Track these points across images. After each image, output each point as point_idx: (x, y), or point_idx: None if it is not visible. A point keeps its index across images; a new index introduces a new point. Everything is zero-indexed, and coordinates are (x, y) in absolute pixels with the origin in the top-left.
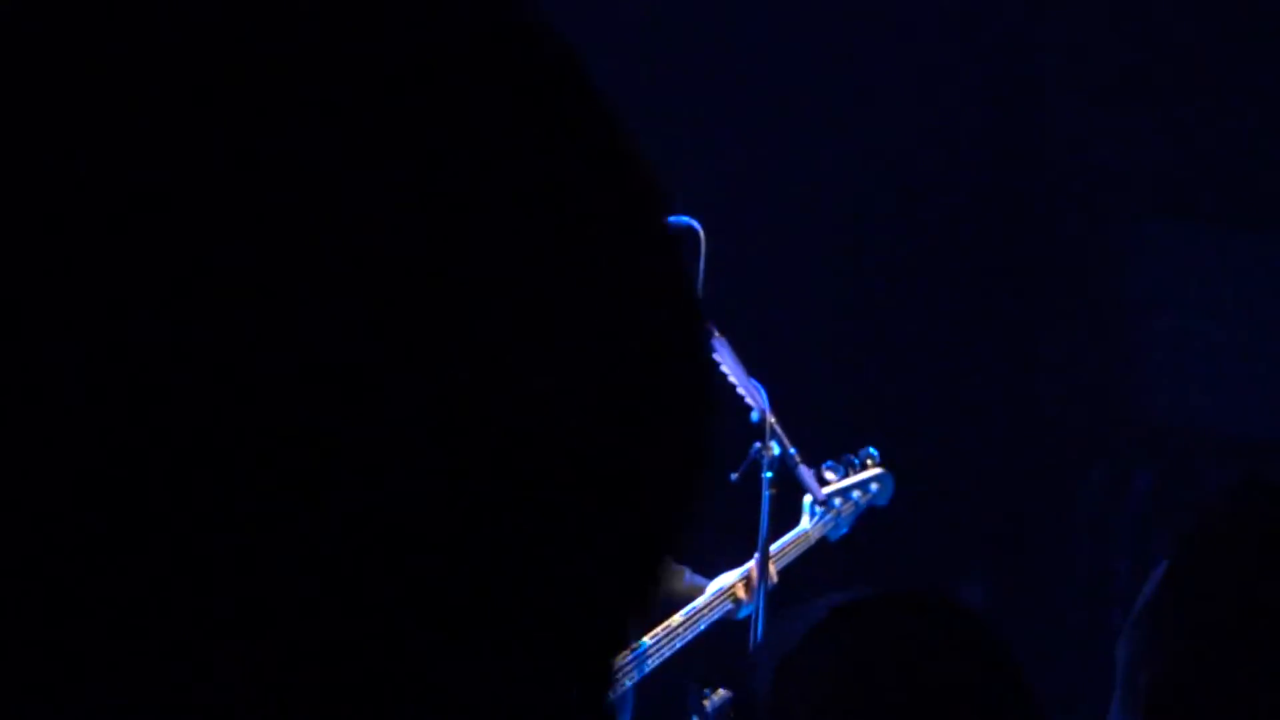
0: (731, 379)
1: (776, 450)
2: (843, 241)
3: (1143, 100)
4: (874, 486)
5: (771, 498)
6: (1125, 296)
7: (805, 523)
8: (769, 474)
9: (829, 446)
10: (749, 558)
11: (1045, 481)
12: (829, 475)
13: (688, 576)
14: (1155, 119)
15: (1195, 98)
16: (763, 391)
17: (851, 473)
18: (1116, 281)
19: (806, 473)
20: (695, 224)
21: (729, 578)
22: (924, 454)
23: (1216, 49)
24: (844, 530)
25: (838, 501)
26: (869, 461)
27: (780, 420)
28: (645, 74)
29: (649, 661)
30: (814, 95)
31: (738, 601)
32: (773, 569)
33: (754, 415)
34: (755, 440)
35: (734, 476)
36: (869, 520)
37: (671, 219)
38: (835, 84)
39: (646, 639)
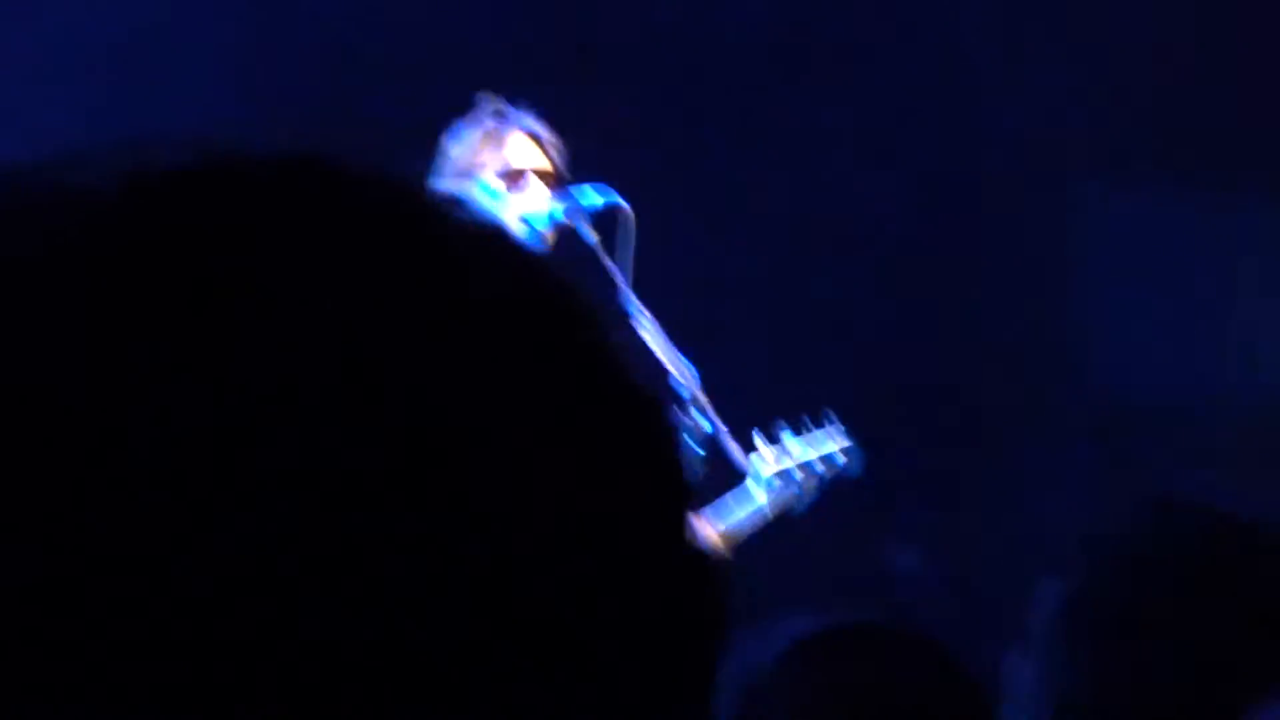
0: (661, 357)
1: (709, 428)
2: (774, 215)
3: (1073, 59)
4: (840, 459)
5: (704, 474)
6: (1063, 263)
7: (760, 498)
8: (701, 452)
9: (762, 421)
10: None
11: (984, 452)
12: (791, 445)
13: None
14: (1089, 78)
15: (1128, 53)
16: (693, 369)
17: (807, 436)
18: (1053, 249)
19: (736, 448)
20: (623, 202)
21: None
22: (860, 425)
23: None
24: (809, 502)
25: (799, 475)
26: (832, 430)
27: (713, 398)
28: (576, 47)
29: None
30: (739, 66)
31: None
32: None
33: (684, 393)
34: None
35: None
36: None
37: (601, 196)
38: (760, 56)
39: None
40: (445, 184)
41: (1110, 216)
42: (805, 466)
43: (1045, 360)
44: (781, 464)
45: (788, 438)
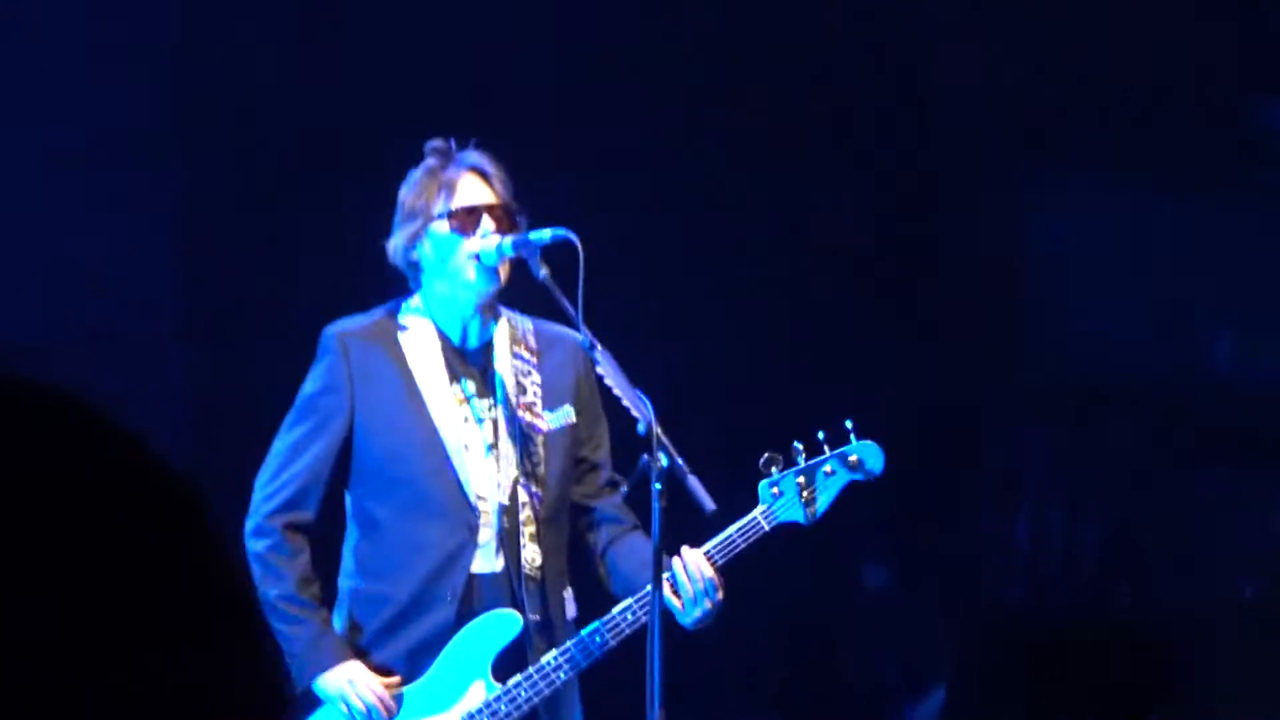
0: (616, 391)
1: (665, 462)
2: (717, 231)
3: (1020, 49)
4: (850, 460)
5: (663, 510)
6: (1011, 254)
7: (756, 511)
8: (658, 485)
9: (726, 445)
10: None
11: (940, 451)
12: (795, 457)
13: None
14: (1034, 67)
15: (1076, 39)
16: (648, 402)
17: (820, 452)
18: (1002, 239)
19: (696, 483)
20: (572, 236)
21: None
22: (816, 436)
23: None
24: (821, 511)
25: (798, 483)
26: (845, 437)
27: (668, 429)
28: (506, 76)
29: (561, 674)
30: (673, 76)
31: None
32: (706, 566)
33: (640, 428)
34: (643, 453)
35: (624, 490)
36: (794, 526)
37: (550, 231)
38: (695, 61)
39: (549, 657)
40: (399, 230)
41: (1058, 205)
42: (808, 474)
43: (997, 354)
44: (784, 478)
45: (793, 450)
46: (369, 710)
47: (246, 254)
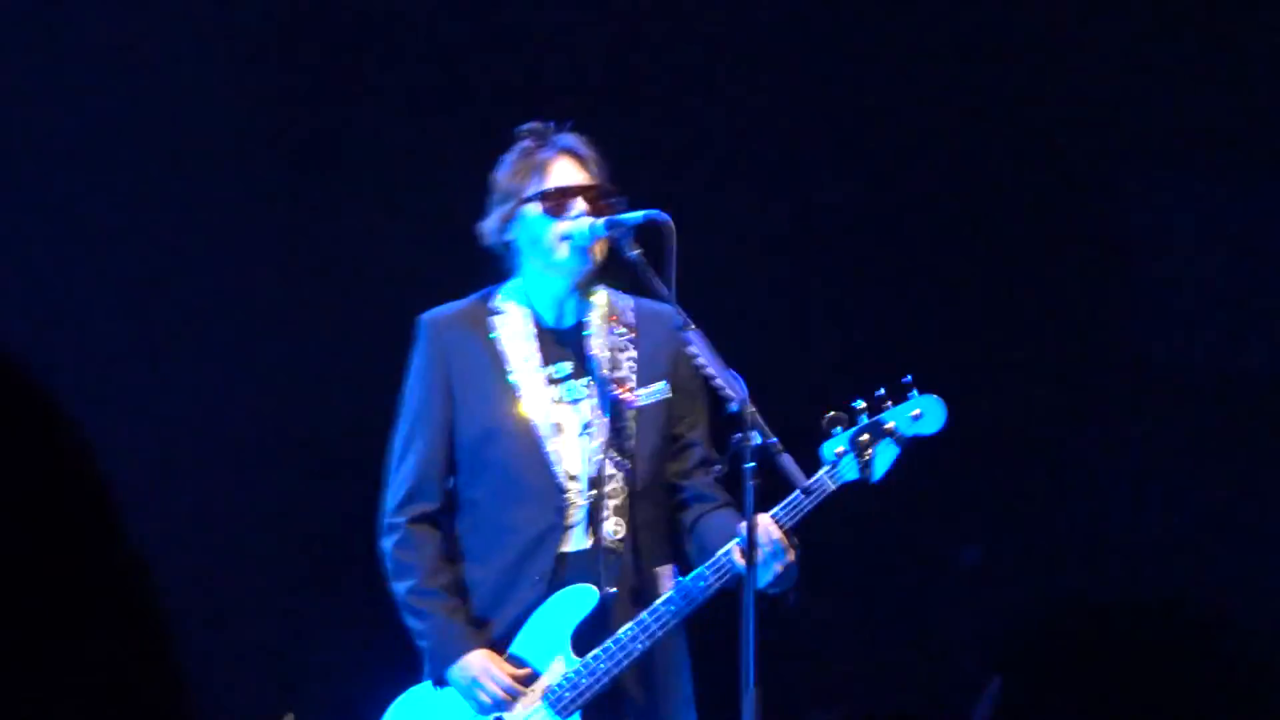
0: (709, 371)
1: (757, 440)
2: (820, 206)
3: (1138, 44)
4: (913, 414)
5: (756, 488)
6: (1119, 241)
7: (821, 471)
8: (751, 464)
9: (816, 422)
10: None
11: (1040, 435)
12: (858, 415)
13: (674, 574)
14: (1149, 62)
15: (1186, 39)
16: (740, 381)
17: (881, 409)
18: (1109, 226)
19: (789, 461)
20: (663, 216)
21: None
22: (876, 393)
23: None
24: (887, 467)
25: (863, 439)
26: (906, 392)
27: (761, 406)
28: (610, 64)
29: (638, 645)
30: (779, 57)
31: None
32: (774, 529)
33: (733, 406)
34: (735, 432)
35: (718, 469)
36: (861, 484)
37: (641, 211)
38: (802, 43)
39: (625, 629)
40: (493, 212)
41: (1169, 193)
42: (871, 431)
43: (1101, 340)
44: (845, 436)
45: (854, 407)
46: (495, 701)
47: (344, 243)
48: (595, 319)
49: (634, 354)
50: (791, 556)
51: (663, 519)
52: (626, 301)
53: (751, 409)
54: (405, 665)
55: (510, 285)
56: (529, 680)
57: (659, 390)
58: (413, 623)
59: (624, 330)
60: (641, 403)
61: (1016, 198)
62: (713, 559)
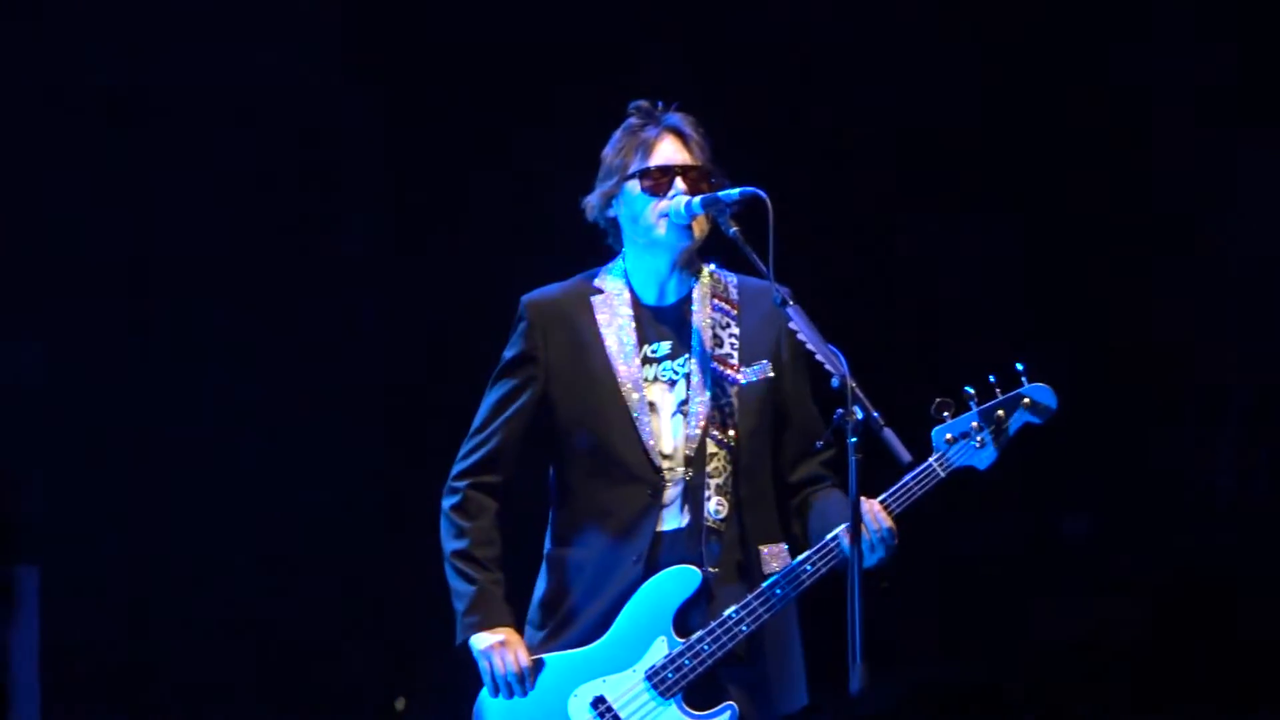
0: (809, 347)
1: (860, 415)
2: (908, 190)
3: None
4: (1024, 403)
5: (859, 463)
6: (1220, 218)
7: (932, 458)
8: (854, 439)
9: (922, 397)
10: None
11: (1146, 406)
12: (969, 401)
13: (783, 554)
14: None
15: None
16: (841, 357)
17: (992, 396)
18: (1210, 205)
19: (892, 435)
20: (761, 193)
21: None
22: (987, 379)
23: None
24: (995, 455)
25: (972, 426)
26: (1017, 380)
27: (862, 382)
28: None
29: (743, 627)
30: (855, 41)
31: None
32: (884, 515)
33: (834, 381)
34: (838, 407)
35: (819, 444)
36: (969, 471)
37: (739, 189)
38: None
39: (730, 610)
40: (598, 188)
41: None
42: (981, 418)
43: (1205, 311)
44: (957, 423)
45: (964, 394)
46: (507, 677)
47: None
48: (698, 296)
49: (736, 331)
50: (896, 542)
51: (768, 498)
52: (730, 279)
53: (853, 384)
54: None
55: (614, 265)
56: (538, 668)
57: (762, 367)
58: (454, 584)
59: (727, 307)
60: (745, 380)
61: (1098, 176)
62: (820, 543)
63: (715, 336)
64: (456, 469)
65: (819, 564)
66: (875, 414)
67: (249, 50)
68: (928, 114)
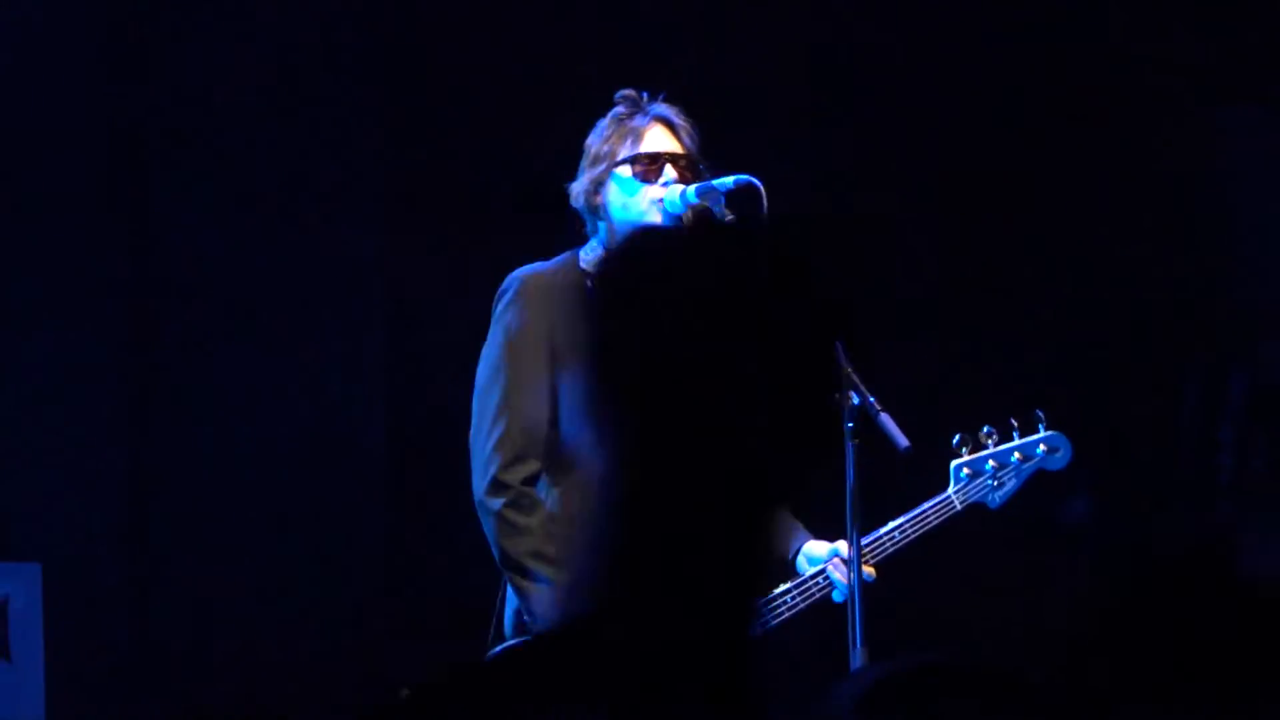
0: None
1: (855, 400)
2: (914, 176)
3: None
4: (1040, 449)
5: (856, 448)
6: (1211, 192)
7: (950, 490)
8: (850, 424)
9: (923, 383)
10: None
11: (1142, 389)
12: (987, 439)
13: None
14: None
15: None
16: (840, 344)
17: (1013, 438)
18: (1202, 177)
19: (888, 420)
20: (755, 181)
21: (819, 548)
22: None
23: None
24: (1008, 495)
25: (990, 465)
26: (1037, 424)
27: (864, 366)
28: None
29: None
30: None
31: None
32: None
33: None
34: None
35: None
36: (981, 508)
37: (733, 177)
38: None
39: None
40: (583, 174)
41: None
42: (1000, 459)
43: (1200, 293)
44: (974, 457)
45: (983, 433)
46: None
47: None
48: None
49: None
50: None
51: None
52: None
53: (847, 368)
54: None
55: (592, 248)
56: None
57: None
58: (526, 585)
59: None
60: None
61: (1097, 149)
62: (801, 579)
63: None
64: (494, 467)
65: (797, 600)
66: (871, 399)
67: (249, 50)
68: (928, 114)
